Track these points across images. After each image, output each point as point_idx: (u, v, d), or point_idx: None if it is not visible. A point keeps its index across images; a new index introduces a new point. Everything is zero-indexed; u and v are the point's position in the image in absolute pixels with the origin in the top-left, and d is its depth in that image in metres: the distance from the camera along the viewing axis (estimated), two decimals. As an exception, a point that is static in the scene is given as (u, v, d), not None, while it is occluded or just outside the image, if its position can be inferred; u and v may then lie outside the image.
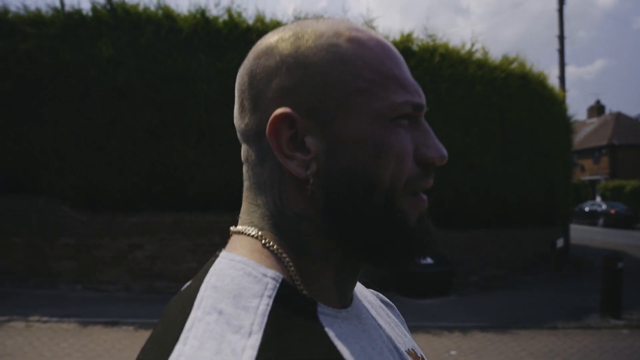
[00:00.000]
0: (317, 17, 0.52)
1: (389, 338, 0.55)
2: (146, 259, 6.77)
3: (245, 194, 0.53)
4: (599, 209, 24.64)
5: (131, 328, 5.21)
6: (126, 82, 6.60)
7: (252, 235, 0.49)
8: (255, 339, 0.38)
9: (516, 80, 9.25)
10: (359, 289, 0.62)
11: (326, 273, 0.50)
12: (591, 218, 24.98)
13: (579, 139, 39.34)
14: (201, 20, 6.97)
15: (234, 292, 0.42)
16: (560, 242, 10.51)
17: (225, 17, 7.12)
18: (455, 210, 8.47)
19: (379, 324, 0.56)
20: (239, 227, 0.52)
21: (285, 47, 0.49)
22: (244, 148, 0.53)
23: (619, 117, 38.04)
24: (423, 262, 5.72)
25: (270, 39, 0.51)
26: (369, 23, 7.99)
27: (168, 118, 6.73)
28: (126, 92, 6.62)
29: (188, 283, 0.49)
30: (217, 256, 0.48)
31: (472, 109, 8.31)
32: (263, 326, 0.39)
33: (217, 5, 7.28)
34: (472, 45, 8.95)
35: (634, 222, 23.61)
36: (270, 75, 0.49)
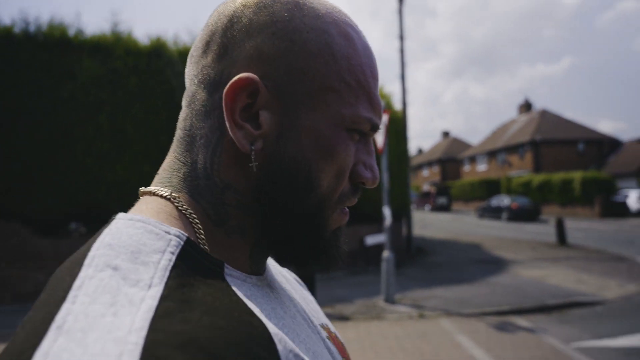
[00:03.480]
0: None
1: (303, 310, 0.54)
2: None
3: (173, 146, 0.48)
4: (501, 204, 25.20)
5: None
6: None
7: (164, 196, 0.45)
8: (156, 291, 0.34)
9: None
10: (274, 263, 0.60)
11: (240, 246, 0.47)
12: (496, 212, 25.54)
13: (509, 135, 40.27)
14: None
15: (132, 248, 0.37)
16: (374, 239, 10.65)
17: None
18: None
19: (292, 297, 0.54)
20: (150, 187, 0.47)
21: (280, 10, 0.45)
22: (190, 90, 0.48)
23: (544, 113, 39.06)
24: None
25: None
26: (114, 25, 7.95)
27: None
28: None
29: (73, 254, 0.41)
30: (113, 219, 0.42)
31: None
32: (164, 279, 0.35)
33: None
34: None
35: (536, 215, 24.21)
36: (252, 30, 0.44)
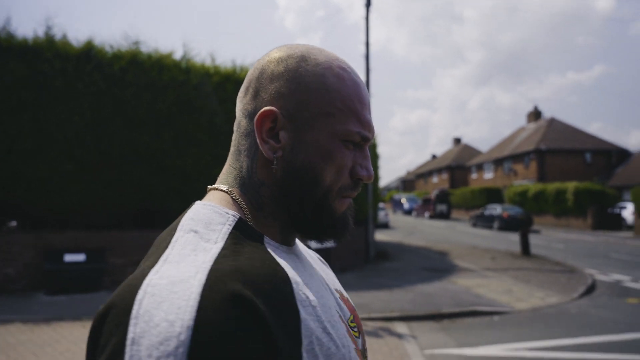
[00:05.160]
0: (325, 50, 0.71)
1: (321, 276, 0.75)
2: None
3: (228, 157, 0.72)
4: (494, 213, 24.84)
5: None
6: None
7: (224, 190, 0.68)
8: (220, 245, 0.57)
9: (239, 85, 9.53)
10: (302, 245, 0.82)
11: (274, 224, 0.68)
12: (489, 221, 25.19)
13: (515, 144, 39.60)
14: None
15: (206, 220, 0.61)
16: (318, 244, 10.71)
17: None
18: (153, 210, 8.77)
19: (313, 266, 0.76)
20: (215, 185, 0.70)
21: (292, 63, 0.67)
22: (238, 119, 0.71)
23: (552, 122, 38.27)
24: (72, 259, 5.91)
25: (283, 52, 0.69)
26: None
27: None
28: None
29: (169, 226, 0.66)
30: (191, 204, 0.66)
31: (166, 113, 8.60)
32: (225, 239, 0.58)
33: None
34: (185, 52, 9.28)
35: (527, 224, 23.76)
36: (274, 78, 0.67)
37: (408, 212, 42.07)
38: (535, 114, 41.76)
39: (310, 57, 0.68)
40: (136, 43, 8.91)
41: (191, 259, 0.53)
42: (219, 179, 0.71)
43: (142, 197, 8.52)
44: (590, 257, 14.05)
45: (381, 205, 27.52)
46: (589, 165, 34.78)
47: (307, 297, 0.60)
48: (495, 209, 24.98)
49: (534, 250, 14.99)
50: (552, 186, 26.27)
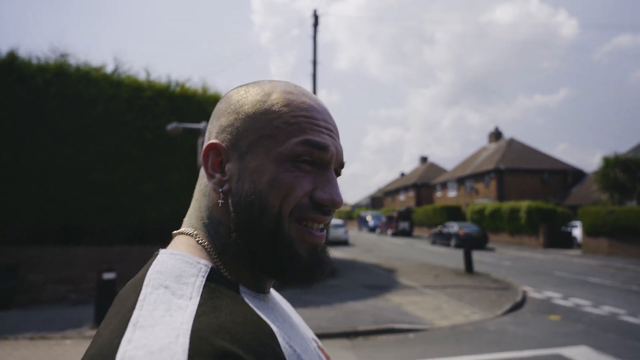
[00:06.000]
0: (279, 81, 0.67)
1: (298, 326, 0.69)
2: None
3: (194, 195, 0.68)
4: (451, 231, 25.17)
5: None
6: None
7: (189, 234, 0.64)
8: (195, 301, 0.50)
9: (176, 100, 9.48)
10: (274, 291, 0.75)
11: (242, 268, 0.62)
12: (446, 239, 25.50)
13: (477, 163, 40.48)
14: None
15: (176, 273, 0.54)
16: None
17: None
18: (78, 226, 8.54)
19: (290, 315, 0.71)
20: (181, 229, 0.66)
21: (234, 96, 0.66)
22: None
23: (512, 142, 39.36)
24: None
25: (233, 90, 0.68)
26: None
27: None
28: None
29: (131, 280, 0.59)
30: (157, 254, 0.59)
31: (93, 127, 8.45)
32: (200, 294, 0.52)
33: None
34: (117, 66, 9.19)
35: (483, 242, 24.17)
36: (219, 115, 0.66)
37: (372, 230, 42.30)
38: (496, 135, 42.87)
39: (255, 87, 0.67)
40: (64, 55, 8.80)
41: (167, 320, 0.47)
42: (184, 222, 0.68)
43: (64, 212, 8.31)
44: (533, 274, 14.32)
45: (340, 222, 27.59)
46: (546, 185, 35.76)
47: (296, 353, 0.56)
48: (453, 227, 25.31)
49: (483, 267, 15.22)
50: (507, 205, 26.86)
